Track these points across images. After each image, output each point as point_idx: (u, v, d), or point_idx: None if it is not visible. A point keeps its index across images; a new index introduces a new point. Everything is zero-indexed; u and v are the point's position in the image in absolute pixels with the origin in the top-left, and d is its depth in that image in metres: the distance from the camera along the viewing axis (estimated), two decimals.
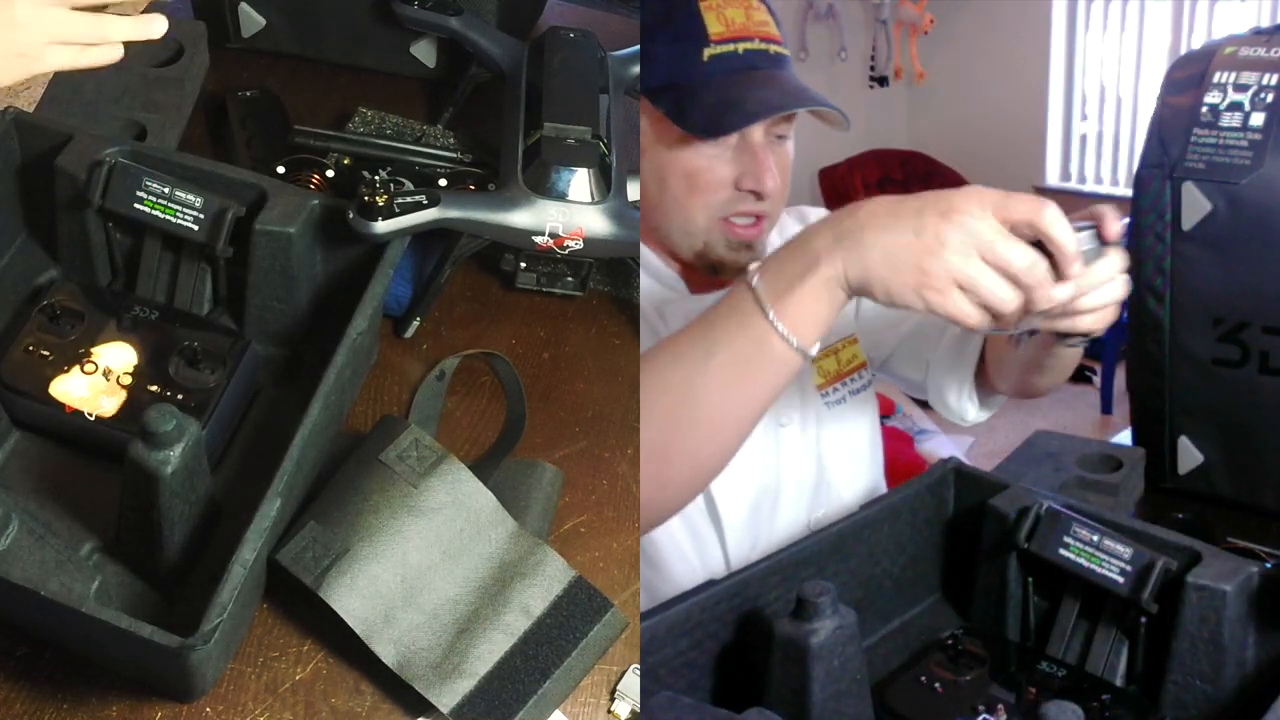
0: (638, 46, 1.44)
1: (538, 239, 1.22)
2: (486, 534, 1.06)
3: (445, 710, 1.00)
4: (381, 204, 1.14)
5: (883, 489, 1.14)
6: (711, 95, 0.96)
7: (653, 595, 0.99)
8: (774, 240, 1.05)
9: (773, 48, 0.99)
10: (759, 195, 0.99)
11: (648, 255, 1.06)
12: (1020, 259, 0.75)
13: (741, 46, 0.97)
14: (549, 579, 1.06)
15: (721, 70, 0.97)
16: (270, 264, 1.17)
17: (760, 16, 0.99)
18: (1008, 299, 0.75)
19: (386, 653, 1.01)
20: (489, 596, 1.04)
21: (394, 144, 1.41)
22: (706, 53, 0.96)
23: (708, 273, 1.04)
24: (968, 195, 0.76)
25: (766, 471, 1.05)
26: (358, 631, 1.01)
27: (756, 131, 0.98)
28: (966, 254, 0.74)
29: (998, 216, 0.75)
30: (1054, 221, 0.74)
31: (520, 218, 1.21)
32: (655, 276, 1.06)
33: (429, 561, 1.04)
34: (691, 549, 1.04)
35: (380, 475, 1.06)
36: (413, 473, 1.06)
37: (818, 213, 1.17)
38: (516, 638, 1.03)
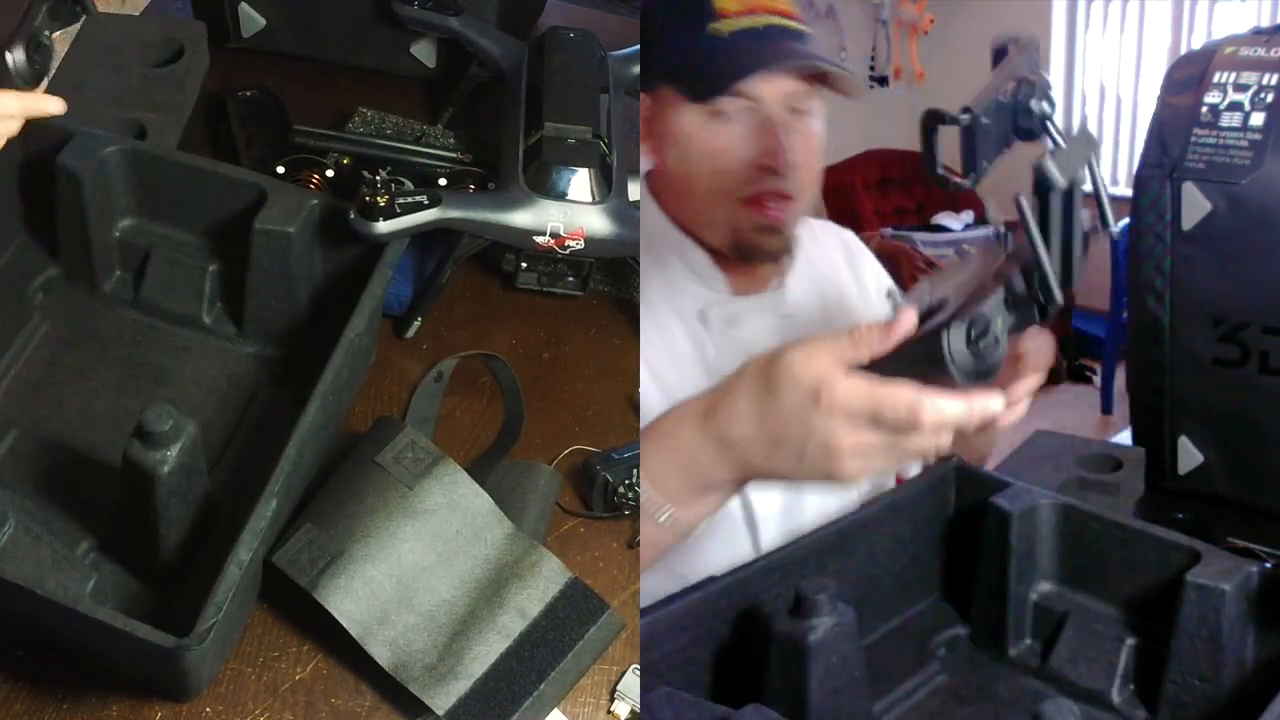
0: (638, 46, 1.44)
1: (538, 239, 1.21)
2: (482, 536, 1.06)
3: (440, 712, 0.99)
4: (383, 204, 1.13)
5: (891, 484, 1.14)
6: (717, 64, 0.93)
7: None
8: (805, 240, 1.04)
9: (784, 21, 0.94)
10: (775, 171, 0.96)
11: (688, 249, 1.03)
12: (898, 410, 0.70)
13: (757, 21, 0.93)
14: (545, 580, 1.05)
15: (730, 44, 0.93)
16: (269, 263, 1.17)
17: None
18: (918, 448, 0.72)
19: (381, 654, 1.01)
20: (485, 598, 1.04)
21: (394, 144, 1.41)
22: (710, 27, 0.93)
23: (743, 260, 1.02)
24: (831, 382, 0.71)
25: None
26: (353, 633, 1.01)
27: (773, 106, 0.95)
28: (855, 425, 0.71)
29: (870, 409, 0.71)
30: (932, 415, 0.70)
31: (521, 217, 1.21)
32: (698, 273, 1.03)
33: (424, 563, 1.04)
34: (725, 543, 1.03)
35: (376, 477, 1.06)
36: (408, 474, 1.06)
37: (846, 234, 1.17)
38: (512, 639, 1.03)
